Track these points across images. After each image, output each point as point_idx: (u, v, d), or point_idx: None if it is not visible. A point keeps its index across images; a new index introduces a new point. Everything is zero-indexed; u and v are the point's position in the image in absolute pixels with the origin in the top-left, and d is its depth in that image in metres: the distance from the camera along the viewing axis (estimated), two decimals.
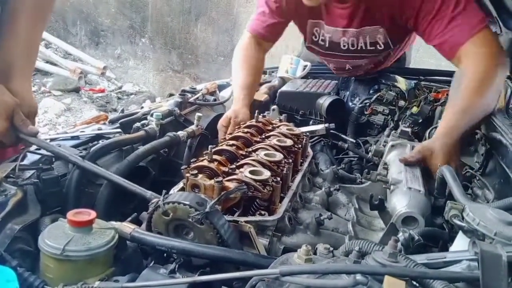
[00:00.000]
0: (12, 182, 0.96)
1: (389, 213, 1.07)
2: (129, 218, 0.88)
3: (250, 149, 1.17)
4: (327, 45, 1.84)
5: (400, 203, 1.04)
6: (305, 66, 2.28)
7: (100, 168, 1.09)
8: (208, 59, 5.39)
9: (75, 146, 1.22)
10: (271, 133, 1.32)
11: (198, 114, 1.53)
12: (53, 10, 1.24)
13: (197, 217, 0.82)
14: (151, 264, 0.83)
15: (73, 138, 1.28)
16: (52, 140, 1.23)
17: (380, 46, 1.75)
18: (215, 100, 1.87)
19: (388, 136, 1.58)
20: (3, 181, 0.95)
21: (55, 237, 0.76)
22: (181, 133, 1.42)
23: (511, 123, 1.43)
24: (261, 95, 1.97)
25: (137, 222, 0.92)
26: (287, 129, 1.35)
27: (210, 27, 5.24)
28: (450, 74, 1.60)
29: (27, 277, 0.72)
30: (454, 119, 1.34)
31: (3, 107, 0.99)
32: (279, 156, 1.12)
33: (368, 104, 1.90)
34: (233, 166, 1.04)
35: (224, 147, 1.13)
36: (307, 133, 1.44)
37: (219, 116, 1.72)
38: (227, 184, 0.94)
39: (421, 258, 0.73)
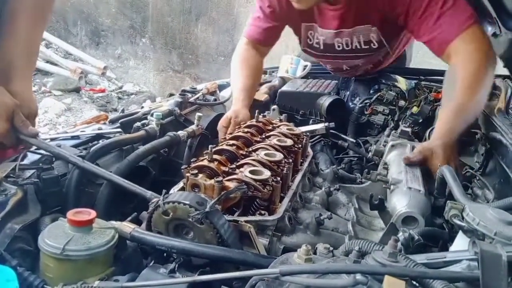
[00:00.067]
0: (12, 182, 0.96)
1: (389, 213, 1.07)
2: (129, 218, 0.88)
3: (250, 149, 1.17)
4: (322, 47, 1.85)
5: (400, 203, 1.04)
6: (305, 66, 2.29)
7: (100, 168, 1.08)
8: (208, 59, 5.40)
9: (75, 146, 1.22)
10: (271, 133, 1.32)
11: (198, 114, 1.53)
12: (53, 10, 1.24)
13: (197, 216, 0.82)
14: (151, 264, 0.83)
15: (73, 138, 1.28)
16: (52, 139, 1.23)
17: (374, 45, 1.75)
18: (215, 100, 1.87)
19: (388, 136, 1.57)
20: (3, 181, 0.95)
21: (55, 236, 0.76)
22: (181, 133, 1.42)
23: (511, 123, 1.43)
24: (261, 95, 1.97)
25: (137, 221, 0.92)
26: (287, 129, 1.35)
27: (210, 27, 5.24)
28: None
29: (27, 277, 0.72)
30: (451, 120, 1.35)
31: (3, 108, 0.99)
32: (279, 156, 1.12)
33: (368, 104, 1.90)
34: (233, 166, 1.04)
35: (224, 147, 1.13)
36: (307, 133, 1.44)
37: (219, 116, 1.72)
38: (227, 183, 0.94)
39: (421, 258, 0.73)
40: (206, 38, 5.31)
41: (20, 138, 1.03)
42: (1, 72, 1.08)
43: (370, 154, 1.55)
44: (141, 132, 1.36)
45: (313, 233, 1.04)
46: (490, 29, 1.59)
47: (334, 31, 1.74)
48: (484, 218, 0.76)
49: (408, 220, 1.01)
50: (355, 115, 1.91)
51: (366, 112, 1.90)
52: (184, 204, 0.84)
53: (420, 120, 1.77)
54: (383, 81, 1.98)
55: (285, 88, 2.06)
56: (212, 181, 0.93)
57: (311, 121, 1.87)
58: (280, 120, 1.49)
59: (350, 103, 2.02)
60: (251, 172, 1.00)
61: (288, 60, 2.30)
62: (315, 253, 0.83)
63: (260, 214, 0.97)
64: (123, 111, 1.59)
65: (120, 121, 1.42)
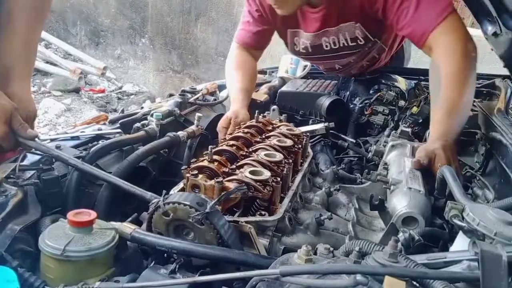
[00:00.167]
0: (13, 183, 0.96)
1: (389, 213, 1.07)
2: (130, 219, 0.88)
3: (250, 149, 1.17)
4: (310, 50, 1.86)
5: (400, 203, 1.04)
6: (305, 66, 2.28)
7: (99, 170, 1.08)
8: (208, 59, 5.40)
9: (75, 147, 1.22)
10: (271, 133, 1.32)
11: (198, 114, 1.53)
12: (50, 10, 1.22)
13: (197, 217, 0.82)
14: (151, 265, 0.83)
15: (73, 138, 1.28)
16: (52, 140, 1.23)
17: (361, 41, 1.76)
18: (215, 100, 1.87)
19: (388, 136, 1.58)
20: (4, 182, 0.95)
21: (56, 237, 0.76)
22: (181, 133, 1.42)
23: (511, 123, 1.43)
24: (261, 95, 1.97)
25: (138, 222, 0.92)
26: (287, 129, 1.35)
27: (210, 27, 5.24)
28: None
29: (28, 278, 0.72)
30: (445, 122, 1.34)
31: (1, 111, 0.98)
32: (279, 156, 1.12)
33: (368, 104, 1.90)
34: (233, 166, 1.04)
35: (224, 147, 1.13)
36: (307, 133, 1.44)
37: (219, 116, 1.72)
38: (227, 184, 0.94)
39: (421, 258, 0.73)
40: (205, 38, 5.31)
41: (19, 141, 1.03)
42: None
43: (370, 154, 1.55)
44: (141, 133, 1.36)
45: (313, 234, 1.04)
46: (490, 29, 1.59)
47: (319, 32, 1.75)
48: (484, 219, 0.76)
49: (408, 220, 1.01)
50: (355, 115, 1.91)
51: (366, 112, 1.90)
52: (184, 204, 0.84)
53: (420, 120, 1.77)
54: (383, 81, 1.98)
55: (285, 88, 2.06)
56: (212, 182, 0.93)
57: (311, 121, 1.87)
58: (280, 121, 1.49)
59: (350, 103, 2.02)
60: (251, 172, 1.00)
61: (288, 60, 2.30)
62: (315, 253, 0.84)
63: (260, 214, 0.97)
64: (123, 111, 1.59)
65: (120, 121, 1.42)
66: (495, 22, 1.51)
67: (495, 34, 1.56)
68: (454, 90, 1.35)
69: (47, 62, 5.46)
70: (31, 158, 1.08)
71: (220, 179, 0.93)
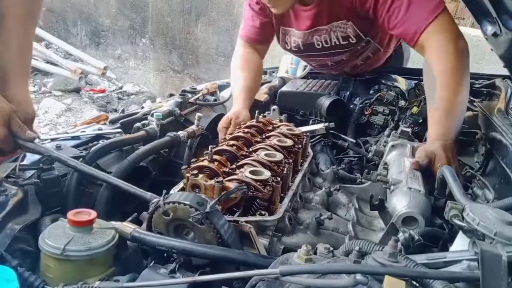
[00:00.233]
0: (13, 182, 0.96)
1: (389, 213, 1.07)
2: (130, 218, 0.88)
3: (250, 149, 1.17)
4: (302, 49, 1.86)
5: (400, 203, 1.04)
6: (305, 66, 2.28)
7: (98, 171, 1.08)
8: (208, 60, 5.40)
9: (76, 146, 1.22)
10: (271, 133, 1.32)
11: (198, 114, 1.53)
12: (41, 10, 1.21)
13: (197, 217, 0.82)
14: (151, 264, 0.83)
15: (73, 138, 1.29)
16: (52, 140, 1.23)
17: (352, 40, 1.76)
18: (215, 100, 1.87)
19: (388, 136, 1.58)
20: (4, 181, 0.95)
21: (56, 237, 0.76)
22: (181, 133, 1.42)
23: (511, 123, 1.43)
24: (261, 95, 1.97)
25: (138, 222, 0.92)
26: (287, 129, 1.35)
27: (210, 27, 5.24)
28: None
29: (28, 277, 0.72)
30: (442, 122, 1.34)
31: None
32: (279, 156, 1.12)
33: (368, 104, 1.90)
34: (234, 166, 1.04)
35: (225, 147, 1.13)
36: (307, 133, 1.44)
37: (219, 116, 1.72)
38: (227, 184, 0.94)
39: (421, 258, 0.73)
40: (206, 38, 5.31)
41: (19, 143, 1.02)
42: None
43: (370, 154, 1.55)
44: (142, 133, 1.37)
45: (313, 233, 1.04)
46: (490, 29, 1.59)
47: (310, 30, 1.75)
48: (484, 218, 0.76)
49: (408, 220, 1.01)
50: (355, 115, 1.91)
51: (366, 112, 1.90)
52: (185, 204, 0.84)
53: (420, 120, 1.77)
54: (383, 81, 1.98)
55: (285, 88, 2.06)
56: (212, 182, 0.93)
57: (311, 121, 1.87)
58: (280, 120, 1.49)
59: (350, 103, 2.02)
60: (251, 172, 1.00)
61: (288, 60, 2.30)
62: (315, 253, 0.84)
63: (260, 214, 0.97)
64: (123, 111, 1.59)
65: (120, 121, 1.42)
66: (495, 22, 1.51)
67: (495, 35, 1.56)
68: (449, 89, 1.35)
69: (48, 62, 5.46)
70: (31, 157, 1.08)
71: (220, 179, 0.93)
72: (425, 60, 1.46)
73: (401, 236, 0.90)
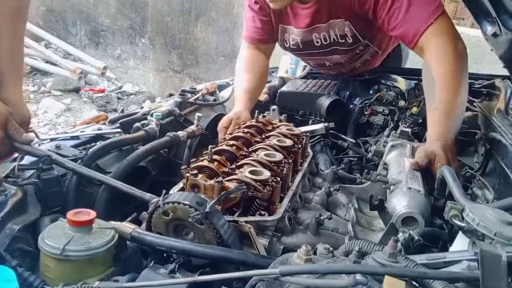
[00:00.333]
0: (12, 182, 0.96)
1: (389, 214, 1.07)
2: (129, 218, 0.88)
3: (250, 149, 1.17)
4: (301, 46, 1.85)
5: (400, 203, 1.04)
6: (305, 66, 2.28)
7: (97, 173, 1.08)
8: (208, 59, 5.40)
9: (75, 146, 1.22)
10: (271, 133, 1.32)
11: (198, 114, 1.53)
12: (29, 8, 1.19)
13: (197, 217, 0.82)
14: (151, 264, 0.83)
15: (73, 138, 1.28)
16: (52, 140, 1.23)
17: (349, 39, 1.76)
18: (215, 100, 1.87)
19: (388, 136, 1.58)
20: (3, 181, 0.95)
21: (55, 237, 0.76)
22: (181, 133, 1.42)
23: (511, 123, 1.43)
24: (261, 95, 1.97)
25: (137, 222, 0.92)
26: (287, 129, 1.35)
27: (210, 27, 5.25)
28: None
29: (27, 277, 0.72)
30: (442, 123, 1.34)
31: None
32: (279, 156, 1.12)
33: (368, 104, 1.90)
34: (233, 166, 1.04)
35: (224, 147, 1.13)
36: (307, 133, 1.44)
37: (219, 116, 1.71)
38: (227, 184, 0.94)
39: (421, 258, 0.73)
40: (205, 38, 5.32)
41: (15, 146, 1.02)
42: None
43: (370, 155, 1.55)
44: (141, 133, 1.36)
45: (313, 234, 1.04)
46: (490, 29, 1.59)
47: (309, 28, 1.75)
48: (484, 219, 0.76)
49: (408, 220, 1.01)
50: (355, 115, 1.91)
51: (366, 113, 1.90)
52: (184, 204, 0.84)
53: (420, 120, 1.77)
54: (382, 82, 1.98)
55: (285, 88, 2.06)
56: (212, 182, 0.93)
57: (311, 121, 1.87)
58: (280, 120, 1.49)
59: (350, 103, 2.02)
60: (251, 172, 1.00)
61: (287, 60, 2.30)
62: (315, 253, 0.84)
63: (260, 214, 0.97)
64: (122, 111, 1.59)
65: (119, 121, 1.42)
66: (495, 22, 1.51)
67: (494, 35, 1.56)
68: (449, 91, 1.35)
69: (47, 62, 5.46)
70: (30, 157, 1.08)
71: (220, 179, 0.93)
72: (425, 62, 1.47)
73: (401, 236, 0.90)
